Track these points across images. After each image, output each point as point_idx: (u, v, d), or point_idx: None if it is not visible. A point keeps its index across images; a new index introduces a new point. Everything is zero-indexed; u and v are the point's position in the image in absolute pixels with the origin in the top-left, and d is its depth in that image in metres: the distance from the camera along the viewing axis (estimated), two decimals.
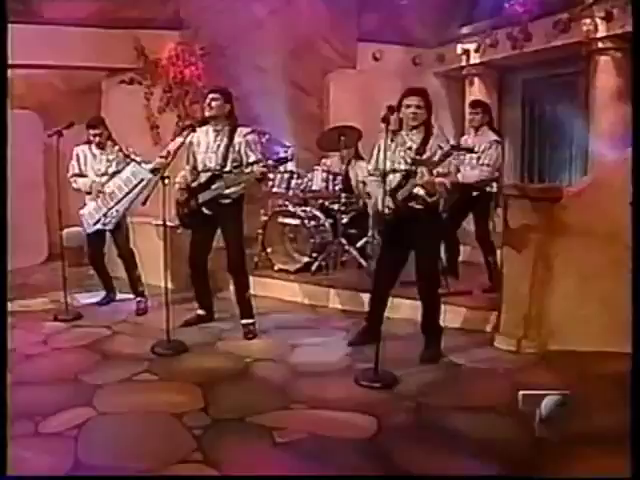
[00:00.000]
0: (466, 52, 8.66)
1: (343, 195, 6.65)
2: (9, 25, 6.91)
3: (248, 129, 4.97)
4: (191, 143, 5.02)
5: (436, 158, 4.24)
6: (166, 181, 4.63)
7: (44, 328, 5.34)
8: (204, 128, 4.98)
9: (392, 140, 4.39)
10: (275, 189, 6.86)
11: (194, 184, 5.04)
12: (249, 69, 8.44)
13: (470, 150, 4.79)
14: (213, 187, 4.91)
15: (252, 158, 4.88)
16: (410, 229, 4.37)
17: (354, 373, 4.24)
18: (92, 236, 5.88)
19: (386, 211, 4.29)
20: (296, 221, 6.71)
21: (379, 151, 4.49)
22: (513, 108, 9.09)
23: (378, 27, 8.77)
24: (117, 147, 5.73)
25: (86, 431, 3.48)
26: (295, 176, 6.85)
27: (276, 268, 6.72)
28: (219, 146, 4.93)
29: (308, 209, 6.84)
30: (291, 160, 4.74)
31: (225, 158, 4.90)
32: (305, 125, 8.72)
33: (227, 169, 4.90)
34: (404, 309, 5.35)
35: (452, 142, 4.60)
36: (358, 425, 3.59)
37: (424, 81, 9.06)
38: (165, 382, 4.23)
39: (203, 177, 5.01)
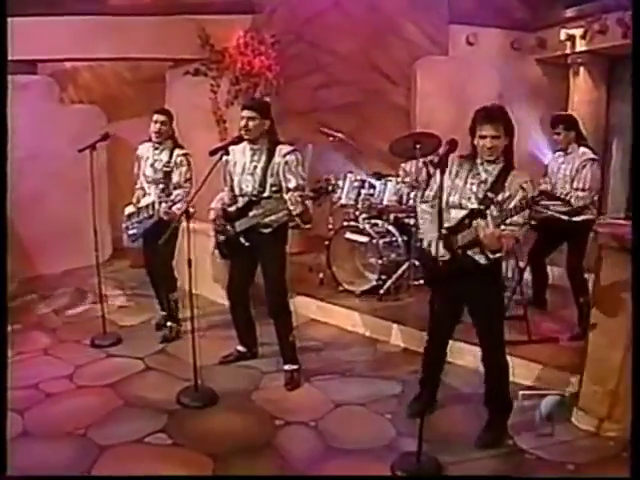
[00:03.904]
0: (571, 38, 7.47)
1: None
2: (71, 17, 6.66)
3: (288, 148, 4.26)
4: (227, 162, 4.38)
5: (513, 203, 3.39)
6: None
7: (77, 356, 4.97)
8: (240, 145, 4.33)
9: (460, 165, 3.57)
10: (343, 200, 6.16)
11: (231, 209, 4.43)
12: (327, 56, 7.72)
13: (562, 200, 3.80)
14: (251, 214, 4.28)
15: (292, 183, 4.17)
16: (467, 283, 3.54)
17: (394, 453, 3.58)
18: (147, 240, 5.22)
19: (439, 258, 3.48)
20: (364, 238, 5.97)
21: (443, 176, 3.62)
22: (624, 104, 7.78)
23: (472, 7, 7.71)
24: (177, 157, 5.06)
25: None
26: (366, 185, 6.13)
27: (341, 288, 6.07)
28: (256, 167, 4.27)
29: (380, 223, 6.09)
30: (332, 192, 3.97)
31: (263, 182, 4.24)
32: (390, 117, 7.94)
33: (265, 194, 4.24)
34: (471, 355, 4.55)
35: (539, 187, 3.67)
36: None
37: (525, 69, 8.11)
38: (177, 448, 3.71)
39: (241, 202, 4.39)
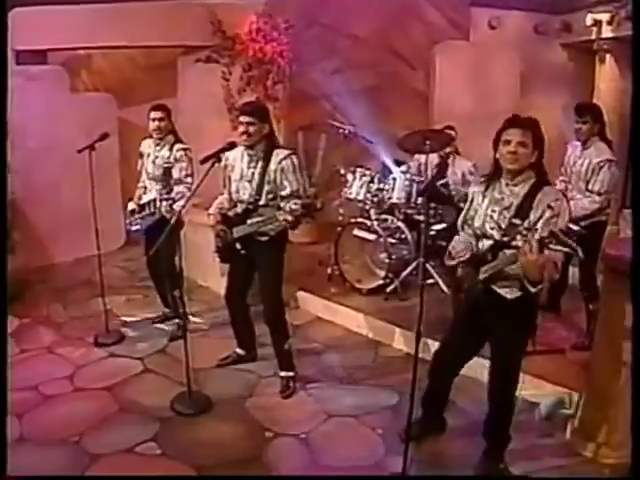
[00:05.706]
0: (597, 23, 7.08)
1: (432, 205, 5.69)
2: (80, 5, 6.57)
3: (284, 152, 4.13)
4: (226, 166, 4.28)
5: (541, 223, 3.00)
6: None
7: (79, 355, 4.99)
8: (238, 150, 4.22)
9: (486, 189, 3.28)
10: (352, 195, 6.00)
11: (231, 213, 4.34)
12: (343, 39, 7.51)
13: (569, 247, 3.30)
14: (249, 222, 4.16)
15: (286, 190, 4.07)
16: (491, 318, 3.26)
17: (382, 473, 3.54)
18: (148, 237, 5.15)
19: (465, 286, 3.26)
20: (372, 236, 5.83)
21: (471, 202, 3.39)
22: None
23: None
24: (176, 152, 4.99)
25: None
26: (376, 179, 5.98)
27: (347, 285, 5.96)
28: (253, 174, 4.15)
29: (390, 219, 5.94)
30: (321, 209, 3.89)
31: (260, 189, 4.12)
32: (408, 103, 7.71)
33: (262, 202, 4.13)
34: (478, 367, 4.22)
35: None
36: None
37: (549, 54, 7.76)
38: (164, 460, 3.70)
39: (239, 207, 4.29)
